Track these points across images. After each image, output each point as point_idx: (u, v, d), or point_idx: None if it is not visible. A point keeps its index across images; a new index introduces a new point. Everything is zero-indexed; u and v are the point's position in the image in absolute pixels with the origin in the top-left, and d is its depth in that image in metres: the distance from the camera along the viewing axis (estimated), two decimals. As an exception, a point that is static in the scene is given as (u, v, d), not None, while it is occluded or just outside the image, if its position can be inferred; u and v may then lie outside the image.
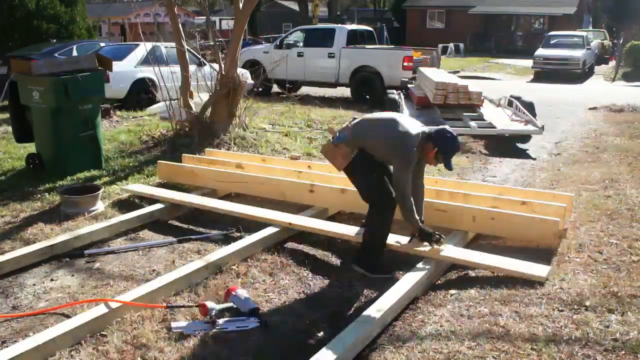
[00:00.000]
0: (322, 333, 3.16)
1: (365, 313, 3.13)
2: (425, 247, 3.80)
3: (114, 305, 3.19)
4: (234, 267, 3.88)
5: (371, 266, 3.84)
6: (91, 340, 2.98)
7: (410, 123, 3.78)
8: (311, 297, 3.56)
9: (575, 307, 3.23)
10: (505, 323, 3.08)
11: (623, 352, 2.77)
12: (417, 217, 3.75)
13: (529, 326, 3.04)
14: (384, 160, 3.79)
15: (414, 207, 3.69)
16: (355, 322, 3.03)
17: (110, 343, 2.94)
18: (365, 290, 3.66)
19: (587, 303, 3.26)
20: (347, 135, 3.80)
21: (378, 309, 3.15)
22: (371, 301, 3.43)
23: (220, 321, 3.16)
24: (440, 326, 3.11)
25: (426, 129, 3.76)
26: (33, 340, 2.83)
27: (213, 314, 3.18)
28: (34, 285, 3.71)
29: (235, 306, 3.29)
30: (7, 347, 2.84)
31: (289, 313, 3.34)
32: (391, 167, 3.77)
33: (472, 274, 3.80)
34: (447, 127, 3.78)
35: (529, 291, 3.44)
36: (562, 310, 3.20)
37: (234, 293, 3.35)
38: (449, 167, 3.67)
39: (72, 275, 3.85)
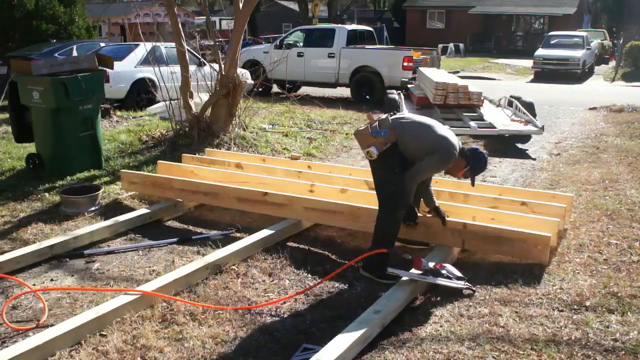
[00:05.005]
0: (322, 333, 3.16)
1: (365, 313, 3.13)
2: None
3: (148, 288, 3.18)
4: (234, 267, 3.88)
5: (378, 270, 3.78)
6: (91, 340, 2.98)
7: (454, 138, 3.84)
8: (311, 297, 3.56)
9: (575, 307, 3.24)
10: (505, 323, 3.08)
11: (623, 352, 2.78)
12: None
13: (529, 326, 3.04)
14: (415, 158, 3.76)
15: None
16: (355, 322, 3.03)
17: (110, 343, 2.94)
18: (365, 291, 3.66)
19: (587, 303, 3.26)
20: (387, 132, 3.73)
21: (378, 309, 3.15)
22: (371, 301, 3.44)
23: (431, 277, 3.49)
24: (440, 326, 3.11)
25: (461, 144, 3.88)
26: (33, 340, 2.83)
27: (426, 268, 3.51)
28: (34, 285, 3.71)
29: (444, 272, 3.53)
30: (7, 347, 2.84)
31: (289, 313, 3.34)
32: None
33: (472, 273, 3.80)
34: (479, 148, 3.99)
35: (529, 291, 3.45)
36: (562, 311, 3.21)
37: (444, 264, 3.61)
38: (473, 183, 4.01)
39: (72, 276, 3.85)
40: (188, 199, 5.14)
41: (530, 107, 9.05)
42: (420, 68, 11.49)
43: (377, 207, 3.96)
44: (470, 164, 3.81)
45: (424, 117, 3.99)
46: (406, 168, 3.77)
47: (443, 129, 3.84)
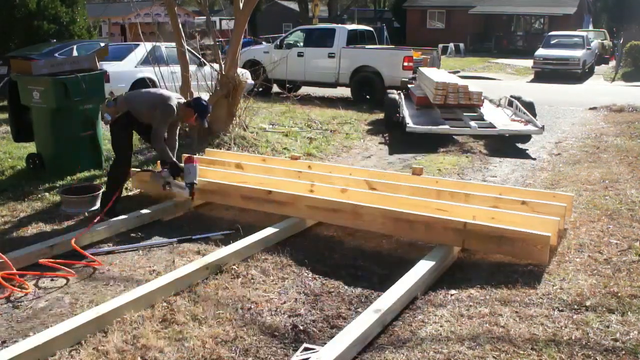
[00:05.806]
0: (322, 333, 3.16)
1: (365, 313, 3.13)
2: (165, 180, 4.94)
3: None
4: (234, 267, 3.88)
5: (104, 205, 4.83)
6: (91, 340, 2.98)
7: (172, 94, 5.00)
8: (311, 297, 3.56)
9: (575, 307, 3.24)
10: (505, 323, 3.08)
11: (623, 352, 2.78)
12: (171, 156, 4.91)
13: (529, 326, 3.04)
14: (149, 118, 4.82)
15: (166, 149, 4.87)
16: (355, 322, 3.03)
17: (110, 343, 2.94)
18: (365, 290, 3.66)
19: (587, 303, 3.26)
20: (115, 103, 4.88)
21: (378, 309, 3.15)
22: (371, 301, 3.44)
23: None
24: (440, 326, 3.11)
25: (182, 100, 5.05)
26: (33, 340, 2.83)
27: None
28: (34, 285, 3.71)
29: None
30: (7, 347, 2.84)
31: (289, 313, 3.34)
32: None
33: (472, 273, 3.80)
34: (201, 98, 5.11)
35: (529, 291, 3.44)
36: (562, 310, 3.21)
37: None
38: (204, 124, 5.05)
39: (72, 275, 3.84)
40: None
41: (530, 107, 9.05)
42: (421, 68, 11.49)
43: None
44: (197, 111, 4.87)
45: (157, 89, 5.26)
46: (139, 133, 5.16)
47: (165, 92, 5.06)
